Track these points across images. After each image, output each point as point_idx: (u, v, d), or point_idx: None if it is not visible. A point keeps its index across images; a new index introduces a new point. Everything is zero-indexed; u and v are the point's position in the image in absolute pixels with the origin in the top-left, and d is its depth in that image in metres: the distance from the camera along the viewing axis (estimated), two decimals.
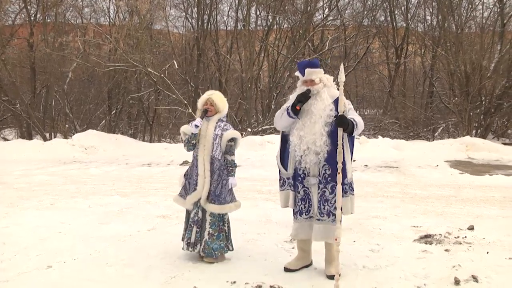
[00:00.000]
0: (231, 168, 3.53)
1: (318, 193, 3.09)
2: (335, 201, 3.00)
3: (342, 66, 2.86)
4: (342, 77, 2.87)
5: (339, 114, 2.93)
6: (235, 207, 3.51)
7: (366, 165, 9.45)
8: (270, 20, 17.28)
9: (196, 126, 3.41)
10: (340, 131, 2.89)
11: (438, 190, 6.71)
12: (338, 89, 3.06)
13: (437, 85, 18.03)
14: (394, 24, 18.76)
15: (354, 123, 3.00)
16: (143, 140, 17.92)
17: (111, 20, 18.85)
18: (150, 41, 16.64)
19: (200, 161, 3.43)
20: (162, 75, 15.16)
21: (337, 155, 2.89)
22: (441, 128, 16.19)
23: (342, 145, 2.88)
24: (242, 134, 14.15)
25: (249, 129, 14.22)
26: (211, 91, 3.56)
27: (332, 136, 3.02)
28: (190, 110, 14.67)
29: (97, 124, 18.44)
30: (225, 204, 3.44)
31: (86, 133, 14.82)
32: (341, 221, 2.88)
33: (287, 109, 3.11)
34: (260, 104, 17.71)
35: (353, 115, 3.09)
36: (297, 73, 3.21)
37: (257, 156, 10.62)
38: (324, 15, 18.34)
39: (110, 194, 6.65)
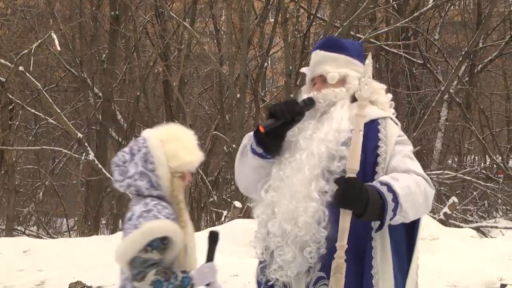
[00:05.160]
0: None
1: None
2: None
3: (369, 59, 2.79)
4: (363, 90, 2.74)
5: (346, 175, 2.71)
6: None
7: None
8: None
9: None
10: (344, 217, 2.69)
11: None
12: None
13: None
14: None
15: (389, 195, 2.67)
16: None
17: None
18: None
19: None
20: (20, 67, 14.02)
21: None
22: None
23: (371, 243, 2.79)
24: (220, 216, 14.77)
25: (237, 202, 13.73)
26: None
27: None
28: (91, 155, 14.48)
29: None
30: None
31: None
32: None
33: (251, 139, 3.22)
34: None
35: (401, 161, 2.83)
36: (305, 69, 3.28)
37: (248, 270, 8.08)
38: None
39: None
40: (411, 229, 2.92)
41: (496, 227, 13.28)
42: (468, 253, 9.99)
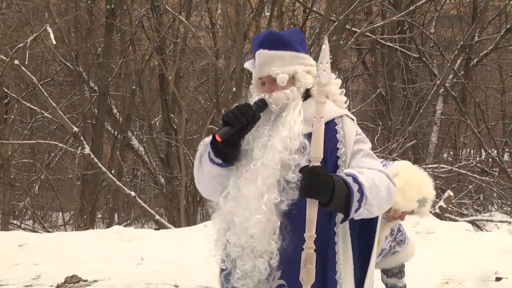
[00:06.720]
0: None
1: None
2: None
3: (326, 44, 2.71)
4: (322, 76, 2.72)
5: (311, 163, 2.70)
6: None
7: None
8: None
9: None
10: (310, 207, 2.64)
11: None
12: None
13: None
14: None
15: (355, 186, 2.67)
16: None
17: None
18: None
19: None
20: (15, 61, 13.90)
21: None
22: None
23: (335, 244, 2.83)
24: None
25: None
26: None
27: (295, 215, 2.82)
28: (87, 149, 14.47)
29: None
30: None
31: None
32: None
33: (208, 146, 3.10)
34: None
35: (361, 161, 2.84)
36: (248, 64, 3.11)
37: None
38: None
39: None
40: (369, 229, 2.96)
41: (491, 221, 13.12)
42: (463, 247, 9.89)
